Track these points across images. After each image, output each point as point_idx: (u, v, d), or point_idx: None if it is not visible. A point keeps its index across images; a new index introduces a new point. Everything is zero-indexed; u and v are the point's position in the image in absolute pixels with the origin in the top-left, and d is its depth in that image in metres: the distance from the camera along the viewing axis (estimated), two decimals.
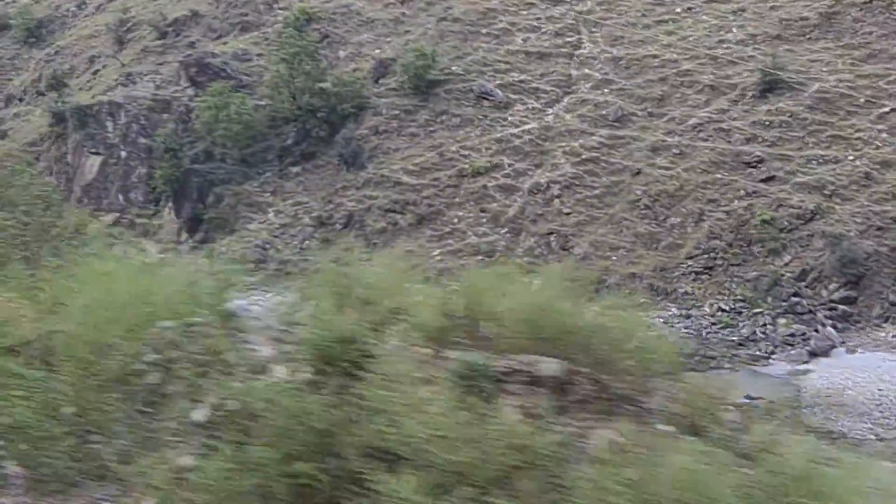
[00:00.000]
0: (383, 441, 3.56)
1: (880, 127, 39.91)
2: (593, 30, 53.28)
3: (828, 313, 34.13)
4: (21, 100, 59.45)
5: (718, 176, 41.12)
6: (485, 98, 49.25)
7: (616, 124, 45.73)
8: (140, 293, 4.47)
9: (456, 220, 41.80)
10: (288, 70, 47.49)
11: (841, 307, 34.21)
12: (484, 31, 52.82)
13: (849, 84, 41.62)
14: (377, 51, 52.20)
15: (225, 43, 54.76)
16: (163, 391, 4.24)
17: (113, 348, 4.22)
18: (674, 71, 47.46)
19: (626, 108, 47.04)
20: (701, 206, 39.00)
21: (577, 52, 52.13)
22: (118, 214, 47.36)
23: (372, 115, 49.09)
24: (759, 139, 41.45)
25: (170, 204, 46.47)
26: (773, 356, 32.56)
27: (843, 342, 32.74)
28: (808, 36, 45.76)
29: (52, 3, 69.52)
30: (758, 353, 32.78)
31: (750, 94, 43.26)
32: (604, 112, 47.39)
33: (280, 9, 56.24)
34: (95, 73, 56.87)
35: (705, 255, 37.38)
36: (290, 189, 46.01)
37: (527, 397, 3.86)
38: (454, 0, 54.01)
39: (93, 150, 50.03)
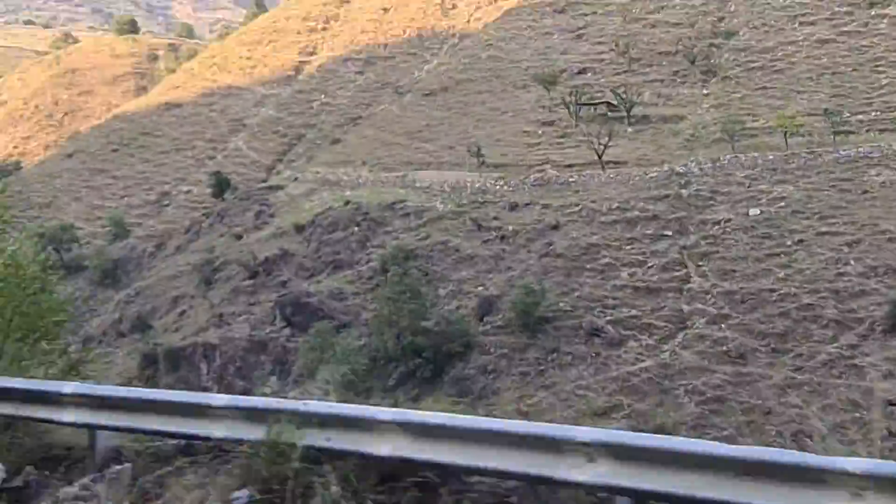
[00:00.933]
0: None
1: None
2: (700, 263, 62.22)
3: None
4: (101, 341, 69.23)
5: (857, 415, 47.35)
6: (596, 335, 57.28)
7: (739, 360, 52.86)
8: None
9: None
10: (392, 309, 56.42)
11: None
12: (588, 266, 62.06)
13: None
14: (479, 287, 61.42)
15: (318, 282, 64.75)
16: None
17: None
18: (794, 305, 55.19)
19: (747, 343, 54.45)
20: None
21: (686, 287, 60.63)
22: None
23: (479, 354, 57.13)
24: None
25: None
26: None
27: None
28: None
29: (128, 244, 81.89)
30: None
31: (880, 328, 50.41)
32: (724, 348, 54.82)
33: (373, 247, 66.71)
34: (181, 313, 66.83)
35: None
36: None
37: None
38: (555, 235, 63.93)
39: None
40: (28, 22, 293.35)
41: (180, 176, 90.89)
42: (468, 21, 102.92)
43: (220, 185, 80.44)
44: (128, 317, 69.08)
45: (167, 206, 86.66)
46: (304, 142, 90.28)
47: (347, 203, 70.04)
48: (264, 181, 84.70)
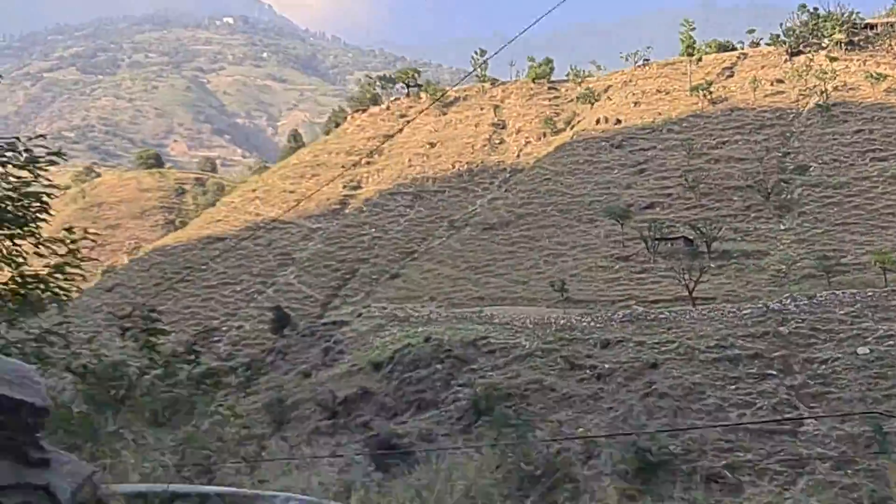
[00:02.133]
0: None
1: None
2: (812, 405, 60.58)
3: None
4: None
5: None
6: (714, 480, 54.98)
7: None
8: None
9: None
10: (497, 452, 54.13)
11: None
12: (693, 406, 60.27)
13: None
14: (579, 429, 59.35)
15: (403, 422, 62.47)
16: None
17: None
18: None
19: (881, 491, 52.30)
20: None
21: (800, 430, 58.79)
22: None
23: (589, 501, 54.52)
24: None
25: None
26: None
27: None
28: None
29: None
30: None
31: None
32: (854, 495, 52.63)
33: (459, 385, 64.82)
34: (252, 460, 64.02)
35: None
36: None
37: None
38: (654, 374, 62.37)
39: None
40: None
41: (229, 311, 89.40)
42: (518, 156, 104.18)
43: (280, 321, 78.94)
44: (190, 459, 65.85)
45: (217, 340, 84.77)
46: (358, 276, 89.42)
47: (427, 340, 68.54)
48: (320, 316, 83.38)
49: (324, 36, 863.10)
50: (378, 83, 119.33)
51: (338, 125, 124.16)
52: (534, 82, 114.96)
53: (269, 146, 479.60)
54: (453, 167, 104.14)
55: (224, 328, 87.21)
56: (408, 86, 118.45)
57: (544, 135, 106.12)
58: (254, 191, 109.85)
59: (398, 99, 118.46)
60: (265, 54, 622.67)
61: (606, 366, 62.80)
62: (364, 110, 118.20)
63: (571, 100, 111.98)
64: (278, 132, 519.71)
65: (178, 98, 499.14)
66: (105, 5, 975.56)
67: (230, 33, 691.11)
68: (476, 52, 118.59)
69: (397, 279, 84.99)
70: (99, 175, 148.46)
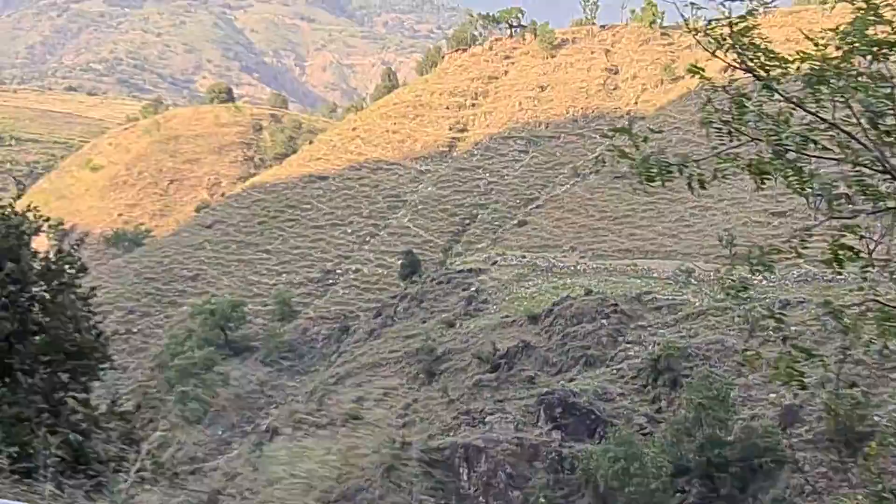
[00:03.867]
0: None
1: None
2: None
3: None
4: (296, 430, 63.23)
5: None
6: None
7: None
8: None
9: None
10: (696, 417, 50.97)
11: None
12: (893, 375, 56.90)
13: None
14: (772, 395, 56.02)
15: (571, 379, 59.24)
16: None
17: None
18: None
19: None
20: None
21: None
22: None
23: (791, 472, 51.42)
24: None
25: None
26: None
27: None
28: None
29: (299, 325, 76.46)
30: None
31: None
32: None
33: (628, 343, 61.47)
34: (407, 407, 61.08)
35: None
36: None
37: None
38: (846, 340, 58.77)
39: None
40: (70, 89, 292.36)
41: (342, 253, 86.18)
42: (635, 102, 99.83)
43: (413, 267, 75.49)
44: (328, 407, 63.07)
45: (333, 285, 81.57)
46: (478, 222, 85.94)
47: (588, 293, 65.07)
48: (442, 262, 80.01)
49: None
50: (479, 22, 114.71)
51: (435, 65, 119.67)
52: (650, 26, 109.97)
53: (296, 86, 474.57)
54: (567, 112, 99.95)
55: (339, 271, 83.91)
56: (510, 26, 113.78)
57: (661, 82, 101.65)
58: (353, 129, 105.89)
59: (500, 39, 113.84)
60: None
61: (793, 328, 59.37)
62: (464, 50, 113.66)
63: (687, 46, 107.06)
64: (306, 72, 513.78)
65: (206, 34, 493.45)
66: None
67: None
68: None
69: (525, 226, 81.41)
70: (166, 107, 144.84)
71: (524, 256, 74.32)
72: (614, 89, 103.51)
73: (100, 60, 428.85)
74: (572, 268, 71.63)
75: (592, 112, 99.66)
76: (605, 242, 74.27)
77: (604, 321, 62.96)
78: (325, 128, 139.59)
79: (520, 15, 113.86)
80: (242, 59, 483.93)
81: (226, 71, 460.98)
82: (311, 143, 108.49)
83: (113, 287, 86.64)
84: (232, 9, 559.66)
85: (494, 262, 74.71)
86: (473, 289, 70.48)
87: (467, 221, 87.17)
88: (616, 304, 64.09)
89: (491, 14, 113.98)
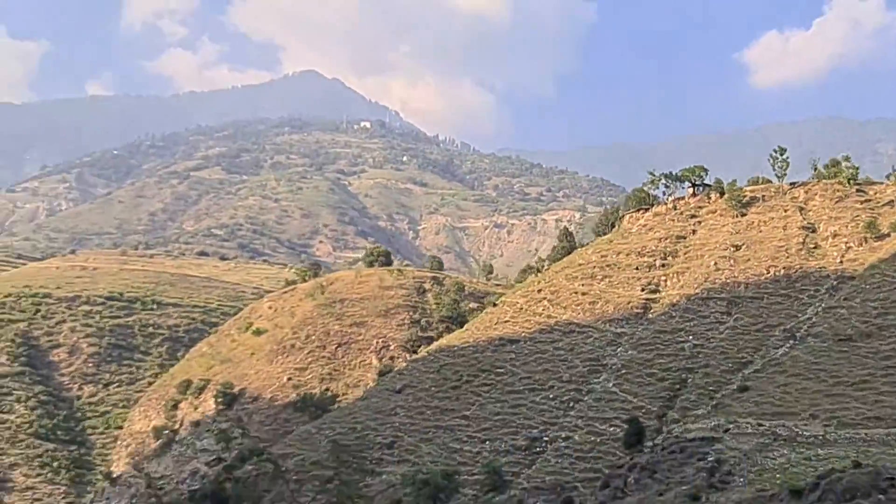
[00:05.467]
0: None
1: None
2: None
3: None
4: None
5: None
6: None
7: None
8: None
9: None
10: None
11: None
12: None
13: None
14: None
15: None
16: None
17: None
18: None
19: None
20: None
21: None
22: None
23: None
24: None
25: None
26: None
27: None
28: None
29: (514, 496, 74.28)
30: None
31: None
32: None
33: None
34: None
35: None
36: None
37: None
38: None
39: None
40: (202, 254, 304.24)
41: (546, 419, 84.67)
42: (840, 262, 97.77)
43: (638, 435, 73.36)
44: None
45: (541, 452, 79.73)
46: (691, 387, 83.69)
47: (857, 465, 61.73)
48: (658, 430, 77.61)
49: (453, 142, 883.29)
50: (662, 180, 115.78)
51: (613, 225, 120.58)
52: (848, 183, 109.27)
53: (410, 249, 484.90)
54: (768, 272, 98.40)
55: (546, 438, 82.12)
56: (693, 184, 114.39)
57: (865, 240, 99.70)
58: (539, 291, 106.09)
59: (682, 198, 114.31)
60: (405, 158, 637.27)
61: None
62: (646, 209, 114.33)
63: (888, 202, 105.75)
64: (419, 235, 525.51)
65: (322, 199, 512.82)
66: (241, 109, 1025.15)
67: (367, 137, 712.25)
68: (775, 151, 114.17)
69: (747, 392, 78.85)
70: (322, 271, 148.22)
71: (760, 424, 71.55)
72: (815, 248, 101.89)
73: (220, 226, 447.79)
74: (820, 437, 68.46)
75: (795, 272, 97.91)
76: (849, 410, 71.18)
77: (881, 496, 59.31)
78: (488, 290, 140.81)
79: (703, 173, 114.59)
80: (357, 223, 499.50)
81: (341, 235, 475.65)
82: (494, 305, 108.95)
83: (307, 455, 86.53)
84: (346, 174, 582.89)
85: (727, 430, 72.10)
86: (712, 458, 67.89)
87: (677, 386, 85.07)
88: (893, 478, 60.43)
89: (673, 173, 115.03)
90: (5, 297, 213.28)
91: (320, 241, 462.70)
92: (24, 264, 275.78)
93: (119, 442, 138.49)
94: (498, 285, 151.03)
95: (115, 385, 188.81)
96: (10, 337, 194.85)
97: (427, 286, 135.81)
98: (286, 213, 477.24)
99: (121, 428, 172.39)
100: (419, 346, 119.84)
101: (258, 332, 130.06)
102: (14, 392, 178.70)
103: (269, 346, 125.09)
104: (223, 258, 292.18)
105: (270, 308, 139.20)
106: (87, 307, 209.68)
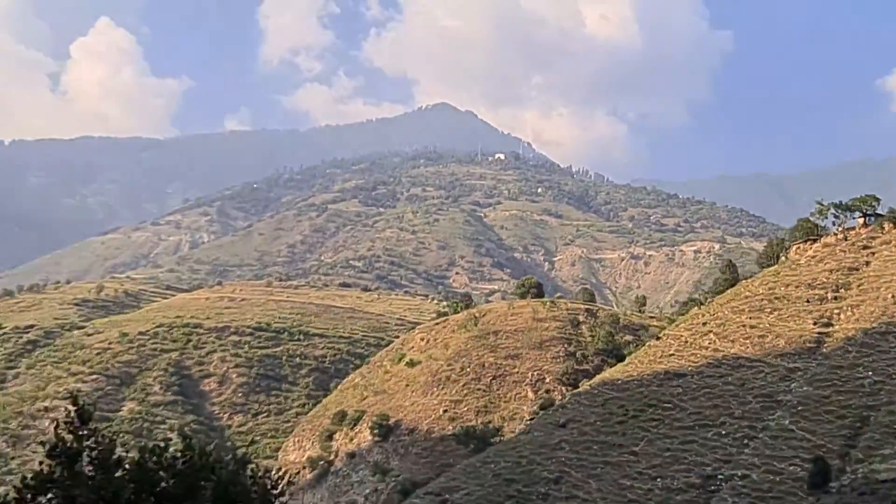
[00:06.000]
0: None
1: None
2: None
3: None
4: None
5: None
6: None
7: None
8: None
9: None
10: None
11: None
12: None
13: None
14: None
15: None
16: None
17: None
18: None
19: None
20: None
21: None
22: None
23: None
24: None
25: None
26: None
27: None
28: None
29: None
30: None
31: None
32: None
33: None
34: None
35: None
36: None
37: None
38: None
39: None
40: (344, 285, 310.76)
41: (719, 457, 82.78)
42: None
43: (823, 476, 71.14)
44: None
45: (716, 491, 77.99)
46: (874, 425, 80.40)
47: None
48: (842, 470, 74.92)
49: (587, 173, 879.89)
50: (831, 210, 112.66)
51: (777, 256, 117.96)
52: None
53: (545, 280, 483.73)
54: None
55: (721, 476, 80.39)
56: (865, 214, 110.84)
57: None
58: (704, 324, 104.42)
59: (853, 229, 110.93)
60: (539, 189, 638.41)
61: None
62: (814, 240, 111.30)
63: None
64: (555, 267, 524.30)
65: (458, 231, 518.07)
66: (375, 142, 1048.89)
67: (502, 169, 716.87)
68: None
69: None
70: (467, 303, 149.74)
71: None
72: None
73: (358, 257, 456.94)
74: None
75: None
76: None
77: None
78: (642, 322, 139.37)
79: (875, 203, 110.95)
80: (493, 254, 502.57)
81: (478, 266, 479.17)
82: (657, 338, 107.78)
83: (472, 489, 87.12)
84: (482, 206, 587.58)
85: None
86: None
87: (858, 424, 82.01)
88: None
89: (843, 202, 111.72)
90: (157, 327, 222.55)
91: (457, 273, 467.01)
92: (174, 295, 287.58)
93: (273, 472, 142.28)
94: (651, 317, 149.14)
95: (263, 415, 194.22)
96: (163, 366, 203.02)
97: (581, 318, 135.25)
98: (423, 244, 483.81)
99: (270, 458, 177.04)
100: (575, 379, 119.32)
101: (412, 364, 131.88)
102: (167, 420, 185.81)
103: (423, 377, 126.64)
104: (365, 289, 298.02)
105: (422, 340, 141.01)
106: (235, 337, 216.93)
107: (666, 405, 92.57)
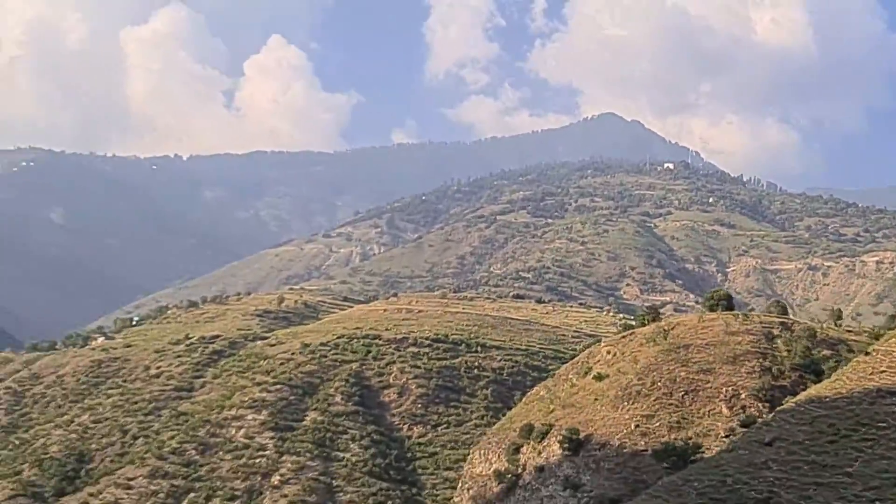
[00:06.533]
0: None
1: None
2: None
3: None
4: None
5: None
6: None
7: None
8: None
9: None
10: None
11: None
12: None
13: None
14: None
15: None
16: None
17: None
18: None
19: None
20: None
21: None
22: None
23: None
24: None
25: None
26: None
27: None
28: None
29: None
30: None
31: None
32: None
33: None
34: None
35: None
36: None
37: None
38: None
39: None
40: (518, 297, 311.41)
41: None
42: None
43: None
44: None
45: None
46: None
47: None
48: None
49: (759, 182, 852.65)
50: None
51: None
52: None
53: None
54: None
55: None
56: None
57: None
58: None
59: None
60: (710, 199, 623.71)
61: None
62: None
63: None
64: (728, 278, 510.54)
65: (628, 242, 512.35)
66: (541, 153, 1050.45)
67: (672, 179, 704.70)
68: None
69: None
70: (654, 316, 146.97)
71: None
72: None
73: (528, 269, 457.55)
74: None
75: None
76: None
77: None
78: (840, 337, 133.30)
79: None
80: (665, 266, 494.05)
81: (649, 278, 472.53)
82: (866, 354, 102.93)
83: None
84: (651, 217, 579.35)
85: None
86: None
87: None
88: None
89: None
90: (338, 338, 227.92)
91: (627, 284, 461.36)
92: (350, 307, 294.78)
93: (461, 485, 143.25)
94: (849, 331, 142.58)
95: (443, 426, 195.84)
96: (344, 377, 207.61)
97: (775, 332, 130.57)
98: (593, 255, 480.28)
99: (450, 469, 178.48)
100: (773, 396, 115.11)
101: (599, 377, 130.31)
102: (349, 431, 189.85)
103: (612, 391, 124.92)
104: (539, 301, 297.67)
105: (609, 353, 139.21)
106: (414, 349, 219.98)
107: (881, 424, 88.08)
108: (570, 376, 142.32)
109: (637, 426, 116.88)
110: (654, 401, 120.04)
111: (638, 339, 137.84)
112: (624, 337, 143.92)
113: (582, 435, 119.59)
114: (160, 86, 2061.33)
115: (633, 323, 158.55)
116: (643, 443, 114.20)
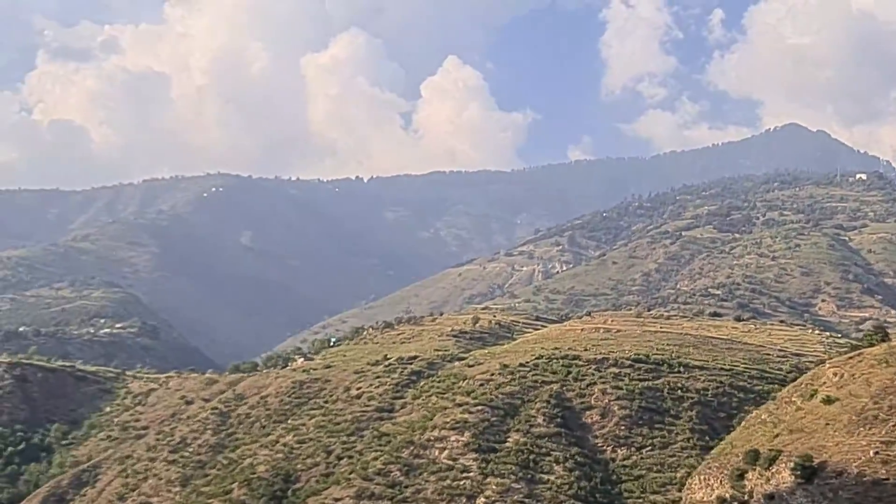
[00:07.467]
0: None
1: None
2: None
3: None
4: None
5: None
6: None
7: None
8: None
9: None
10: None
11: None
12: None
13: None
14: None
15: None
16: None
17: None
18: None
19: None
20: None
21: None
22: None
23: None
24: None
25: None
26: None
27: None
28: None
29: None
30: None
31: None
32: None
33: None
34: None
35: None
36: None
37: None
38: None
39: None
40: (714, 314, 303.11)
41: None
42: None
43: None
44: None
45: None
46: None
47: None
48: None
49: None
50: None
51: None
52: None
53: None
54: None
55: None
56: None
57: None
58: None
59: None
60: None
61: None
62: None
63: None
64: None
65: (822, 256, 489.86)
66: (722, 167, 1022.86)
67: (865, 190, 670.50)
68: None
69: None
70: (884, 336, 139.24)
71: None
72: None
73: (717, 285, 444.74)
74: None
75: None
76: None
77: None
78: None
79: None
80: (862, 280, 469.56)
81: (845, 293, 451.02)
82: None
83: None
84: (845, 229, 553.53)
85: None
86: None
87: None
88: None
89: None
90: (537, 358, 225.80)
91: (823, 300, 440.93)
92: (544, 326, 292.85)
93: None
94: None
95: (647, 448, 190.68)
96: (545, 398, 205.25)
97: None
98: (784, 270, 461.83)
99: (657, 493, 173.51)
100: None
101: (829, 401, 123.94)
102: (552, 452, 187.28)
103: (845, 416, 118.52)
104: (739, 319, 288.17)
105: (835, 374, 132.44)
106: (615, 369, 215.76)
107: None
108: (794, 399, 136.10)
109: (876, 453, 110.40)
110: (894, 426, 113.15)
111: (867, 361, 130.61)
112: (851, 358, 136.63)
113: (815, 462, 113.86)
114: (340, 110, 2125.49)
115: (859, 343, 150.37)
116: (884, 471, 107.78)
